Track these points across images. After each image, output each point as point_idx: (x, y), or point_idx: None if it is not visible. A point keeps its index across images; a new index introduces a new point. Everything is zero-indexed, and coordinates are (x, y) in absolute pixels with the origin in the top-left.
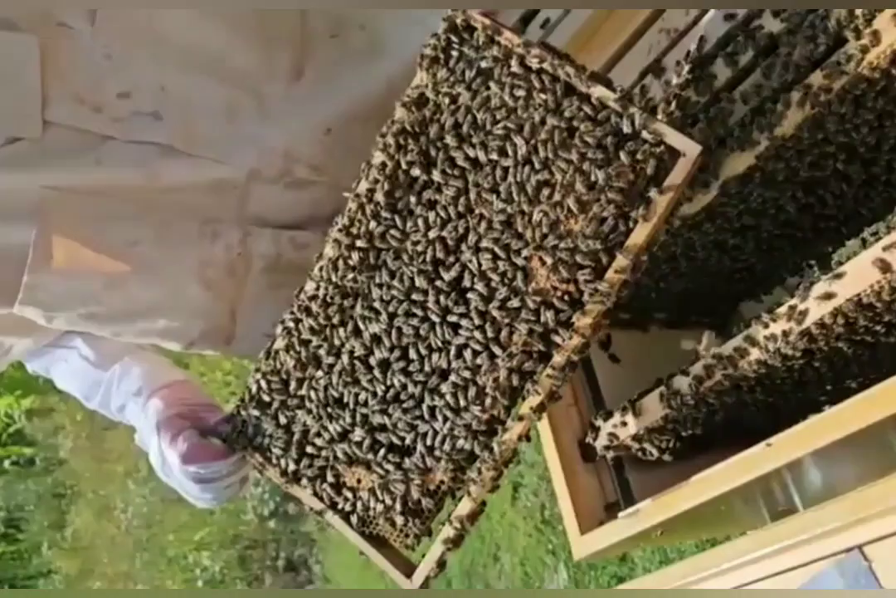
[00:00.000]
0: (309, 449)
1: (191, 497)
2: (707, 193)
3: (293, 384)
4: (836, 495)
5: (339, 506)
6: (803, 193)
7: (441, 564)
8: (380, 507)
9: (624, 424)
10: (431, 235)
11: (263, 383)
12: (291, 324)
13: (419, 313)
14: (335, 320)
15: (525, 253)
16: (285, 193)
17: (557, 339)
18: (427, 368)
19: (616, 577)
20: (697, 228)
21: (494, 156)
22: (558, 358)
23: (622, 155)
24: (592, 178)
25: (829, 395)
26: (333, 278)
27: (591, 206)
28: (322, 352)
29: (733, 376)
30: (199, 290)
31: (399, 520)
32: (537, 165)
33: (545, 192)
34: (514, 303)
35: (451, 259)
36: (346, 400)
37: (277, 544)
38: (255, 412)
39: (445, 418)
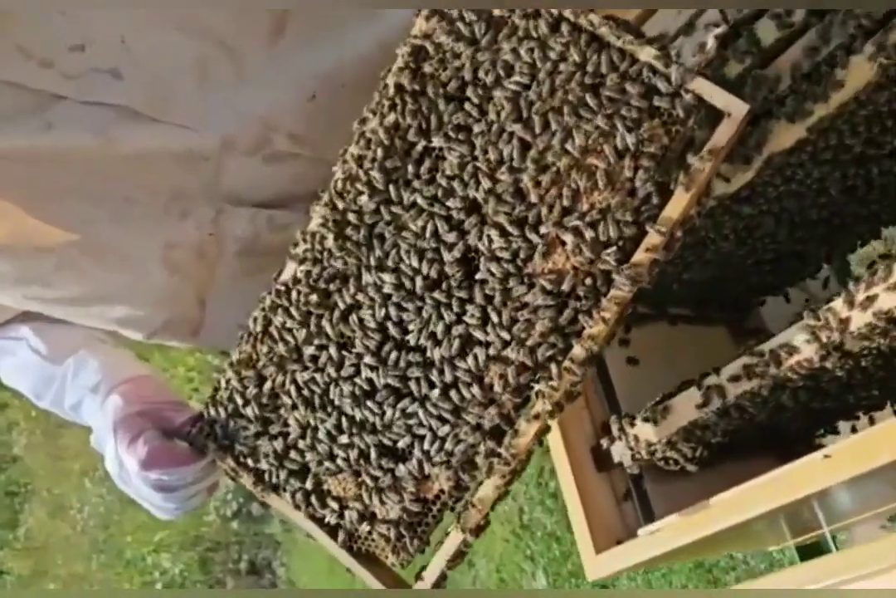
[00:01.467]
0: (289, 454)
1: (151, 507)
2: (748, 171)
3: (270, 380)
4: (864, 513)
5: (324, 519)
6: (852, 174)
7: (438, 584)
8: (370, 520)
9: (646, 429)
10: (432, 209)
11: (236, 379)
12: (269, 312)
13: (416, 298)
14: (320, 308)
15: (542, 230)
16: (263, 166)
17: (577, 328)
18: (426, 361)
19: (599, 585)
20: (732, 210)
21: (505, 118)
22: (578, 350)
23: (655, 116)
24: (621, 143)
25: (871, 400)
26: (318, 259)
27: (620, 175)
28: (304, 344)
29: (777, 377)
30: (163, 274)
31: (392, 534)
32: (556, 129)
33: (565, 160)
34: (528, 287)
35: (455, 237)
36: (331, 399)
37: (240, 546)
38: (227, 412)
39: (446, 419)
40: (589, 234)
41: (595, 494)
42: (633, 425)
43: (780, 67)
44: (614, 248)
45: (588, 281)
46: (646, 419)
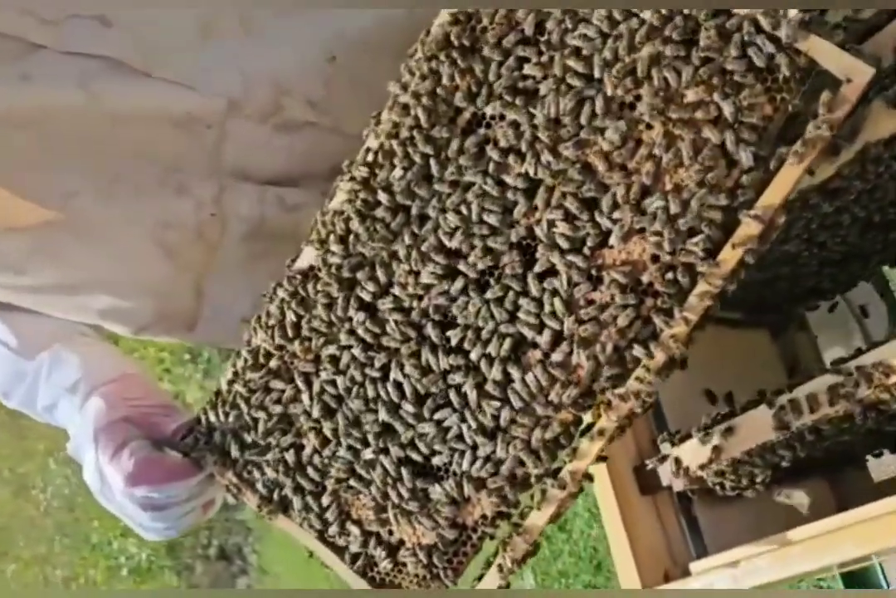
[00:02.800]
0: (303, 469)
1: (136, 526)
2: (835, 162)
3: (281, 383)
4: None
5: (341, 544)
6: None
7: None
8: (396, 549)
9: (702, 450)
10: (482, 186)
11: (240, 381)
12: (280, 305)
13: (457, 290)
14: (342, 301)
15: (615, 214)
16: (273, 136)
17: (652, 330)
18: (469, 365)
19: (590, 585)
20: (811, 206)
21: (573, 80)
22: (656, 355)
23: (758, 80)
24: (714, 111)
25: None
26: (341, 244)
27: (712, 149)
28: (322, 342)
29: (866, 399)
30: (156, 259)
31: (422, 565)
32: (634, 94)
33: (645, 130)
34: (596, 282)
35: (510, 220)
36: (354, 407)
37: (210, 531)
38: (229, 418)
39: (492, 432)
40: (672, 219)
41: (639, 519)
42: (684, 443)
43: (880, 43)
44: (702, 236)
45: (669, 275)
46: (704, 439)
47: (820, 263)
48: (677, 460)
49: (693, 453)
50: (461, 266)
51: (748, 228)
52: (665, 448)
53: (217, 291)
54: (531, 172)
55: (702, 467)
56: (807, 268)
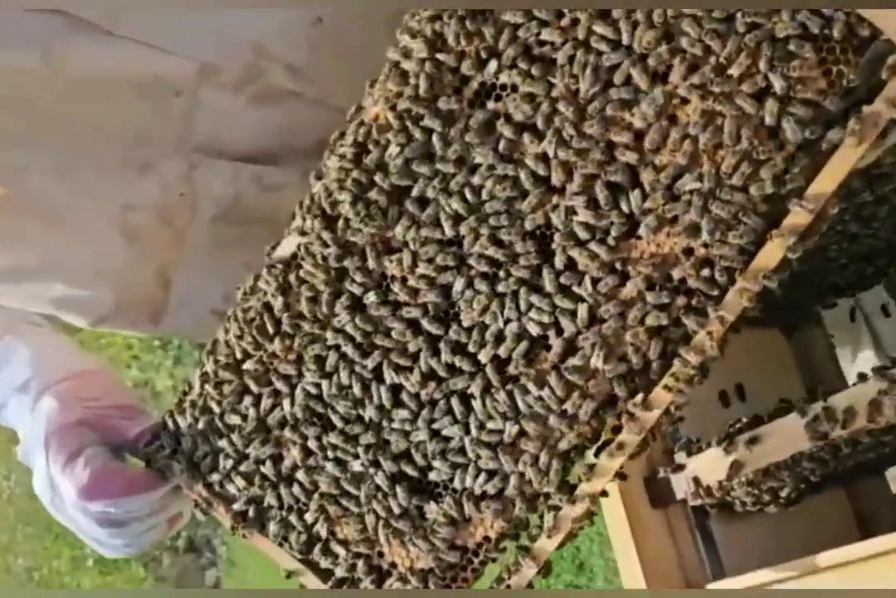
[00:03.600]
0: (282, 483)
1: (93, 542)
2: (882, 145)
3: (257, 385)
4: None
5: (325, 567)
6: None
7: None
8: (386, 573)
9: (723, 461)
10: (492, 167)
11: (212, 382)
12: (258, 296)
13: (461, 284)
14: (328, 294)
15: (648, 204)
16: (251, 107)
17: (682, 332)
18: (473, 367)
19: (572, 585)
20: (849, 194)
21: (599, 45)
22: (688, 359)
23: (812, 50)
24: (761, 83)
25: None
26: (329, 229)
27: (757, 128)
28: (305, 341)
29: None
30: (117, 243)
31: None
32: (666, 61)
33: (680, 104)
34: (620, 277)
35: (521, 206)
36: (341, 414)
37: None
38: (199, 423)
39: (498, 445)
40: (709, 207)
41: (650, 535)
42: (703, 453)
43: None
44: (743, 228)
45: (705, 271)
46: (727, 449)
47: (848, 258)
48: (696, 480)
49: (712, 464)
50: (466, 258)
51: (796, 218)
52: (680, 457)
53: (185, 280)
54: (549, 152)
55: (722, 480)
56: (834, 263)
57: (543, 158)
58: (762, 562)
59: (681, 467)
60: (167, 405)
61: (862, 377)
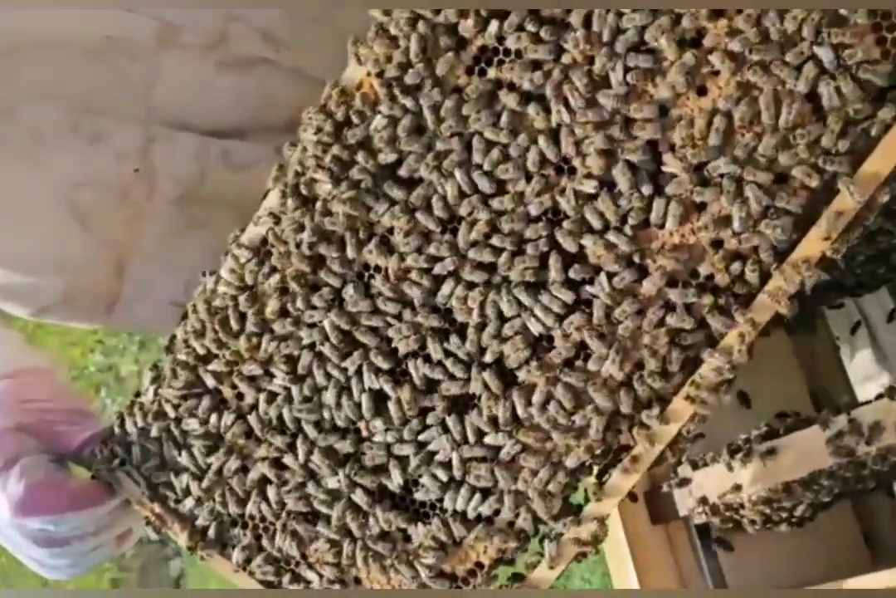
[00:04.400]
0: (247, 499)
1: (32, 563)
2: None
3: (219, 386)
4: None
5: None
6: None
7: None
8: None
9: (732, 476)
10: (493, 140)
11: (168, 383)
12: (222, 288)
13: (454, 278)
14: (302, 286)
15: (672, 189)
16: (218, 75)
17: (707, 334)
18: (467, 372)
19: (552, 587)
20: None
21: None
22: (713, 365)
23: (863, 15)
24: (806, 52)
25: None
26: (303, 212)
27: (799, 103)
28: (276, 340)
29: None
30: (64, 224)
31: None
32: (698, 27)
33: (711, 75)
34: (638, 271)
35: (530, 186)
36: (314, 422)
37: None
38: (152, 431)
39: (494, 460)
40: (742, 192)
41: (649, 552)
42: (709, 468)
43: None
44: (782, 218)
45: (735, 266)
46: (739, 463)
47: (866, 257)
48: (703, 498)
49: (721, 480)
50: (461, 245)
51: (842, 205)
52: (685, 471)
53: (142, 267)
54: (562, 124)
55: (731, 499)
56: (853, 261)
57: (552, 133)
58: (769, 581)
59: (686, 482)
60: (132, 392)
61: (892, 391)
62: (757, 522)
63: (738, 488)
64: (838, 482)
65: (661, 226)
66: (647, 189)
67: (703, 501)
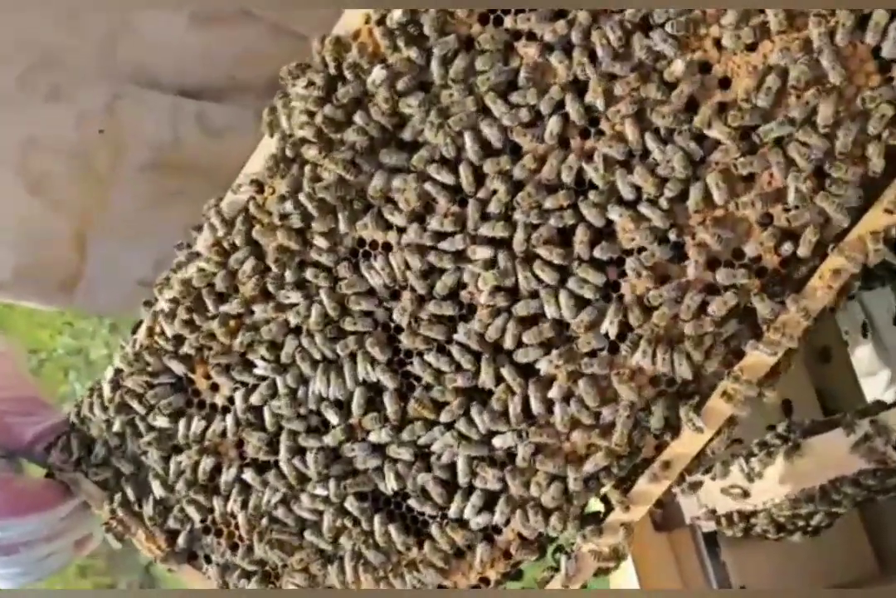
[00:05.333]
0: (219, 503)
1: None
2: None
3: (190, 374)
4: None
5: None
6: None
7: None
8: None
9: (750, 484)
10: (508, 99)
11: (132, 372)
12: (197, 264)
13: (461, 256)
14: (285, 266)
15: (717, 155)
16: (193, 29)
17: (752, 323)
18: (476, 363)
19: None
20: None
21: None
22: (758, 354)
23: None
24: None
25: None
26: (293, 180)
27: (862, 51)
28: (257, 322)
29: None
30: (15, 192)
31: None
32: None
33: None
34: (673, 249)
35: (543, 152)
36: (298, 418)
37: None
38: (114, 424)
39: (505, 463)
40: (798, 158)
41: (651, 561)
42: (723, 474)
43: None
44: (845, 190)
45: (786, 246)
46: (751, 470)
47: None
48: (713, 507)
49: (736, 488)
50: (470, 215)
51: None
52: (696, 477)
53: (106, 241)
54: (575, 74)
55: (743, 508)
56: None
57: (575, 83)
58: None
59: (697, 485)
60: (100, 374)
61: None
62: (770, 531)
63: (747, 494)
64: (862, 490)
65: (704, 200)
66: (686, 142)
67: (713, 509)
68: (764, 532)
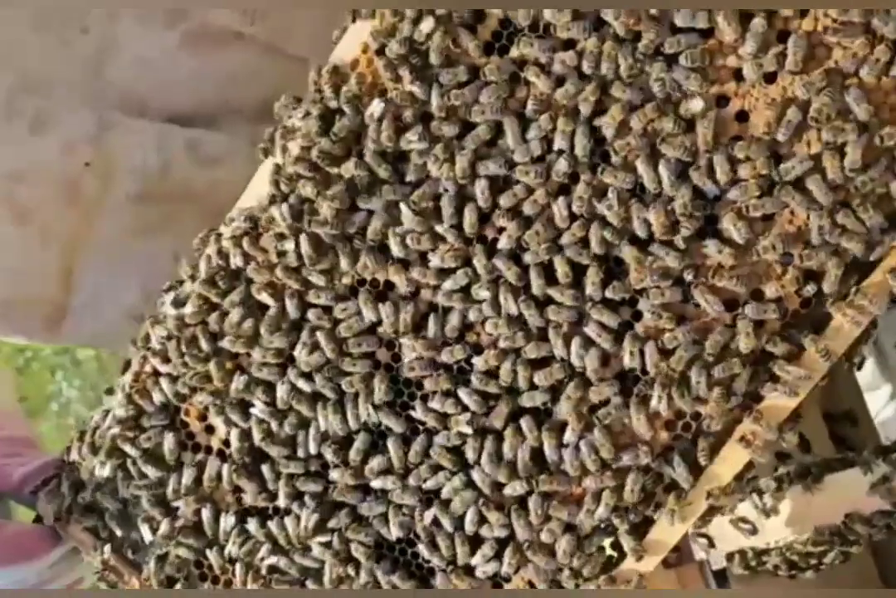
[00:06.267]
0: (225, 549)
1: None
2: None
3: (185, 416)
4: None
5: None
6: None
7: None
8: None
9: (764, 522)
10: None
11: (125, 414)
12: (192, 299)
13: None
14: (286, 298)
15: (734, 193)
16: (184, 52)
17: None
18: (484, 403)
19: None
20: None
21: None
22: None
23: None
24: None
25: None
26: (289, 216)
27: None
28: (257, 354)
29: None
30: (4, 225)
31: None
32: None
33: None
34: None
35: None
36: (302, 449)
37: None
38: (106, 468)
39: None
40: (819, 195)
41: None
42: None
43: None
44: (870, 224)
45: (809, 287)
46: (765, 506)
47: None
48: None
49: (749, 525)
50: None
51: None
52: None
53: (94, 274)
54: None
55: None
56: None
57: (584, 120)
58: None
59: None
60: (88, 375)
61: None
62: (782, 568)
63: (756, 531)
64: (881, 529)
65: (723, 240)
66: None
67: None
68: (775, 569)
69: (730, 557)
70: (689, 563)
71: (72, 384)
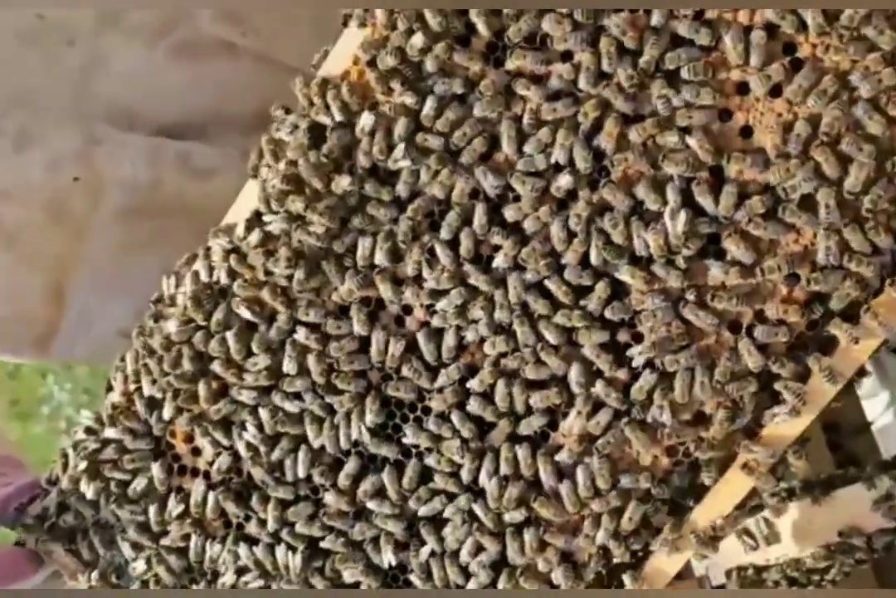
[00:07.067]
0: (214, 574)
1: None
2: None
3: (171, 441)
4: None
5: None
6: None
7: None
8: None
9: (765, 538)
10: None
11: (114, 434)
12: (176, 316)
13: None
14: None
15: (741, 213)
16: (172, 64)
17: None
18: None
19: None
20: None
21: None
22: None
23: None
24: None
25: None
26: (281, 224)
27: None
28: (247, 371)
29: None
30: None
31: None
32: None
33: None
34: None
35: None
36: (295, 477)
37: None
38: (90, 490)
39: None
40: (826, 215)
41: None
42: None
43: None
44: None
45: (815, 308)
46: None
47: None
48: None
49: (752, 542)
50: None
51: None
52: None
53: (84, 291)
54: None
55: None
56: None
57: (585, 138)
58: None
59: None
60: (80, 379)
61: None
62: (782, 584)
63: (757, 547)
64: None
65: (725, 260)
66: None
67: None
68: (776, 585)
69: (728, 573)
70: (689, 579)
71: (63, 388)
